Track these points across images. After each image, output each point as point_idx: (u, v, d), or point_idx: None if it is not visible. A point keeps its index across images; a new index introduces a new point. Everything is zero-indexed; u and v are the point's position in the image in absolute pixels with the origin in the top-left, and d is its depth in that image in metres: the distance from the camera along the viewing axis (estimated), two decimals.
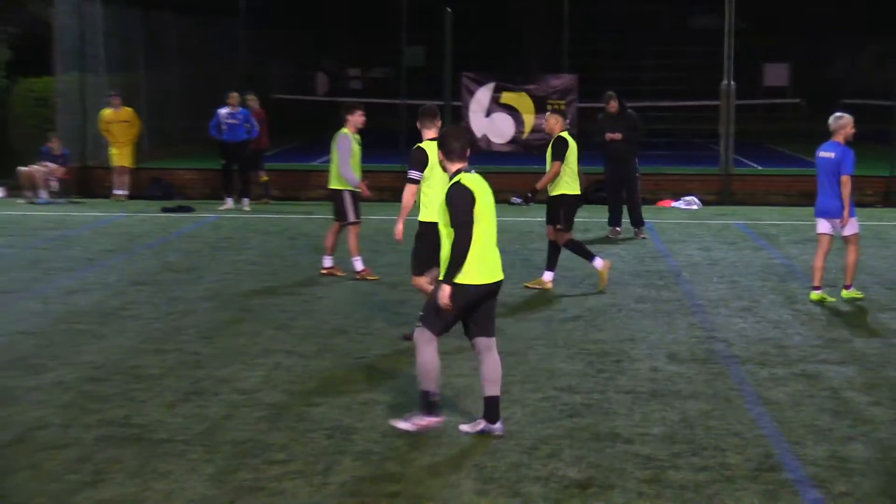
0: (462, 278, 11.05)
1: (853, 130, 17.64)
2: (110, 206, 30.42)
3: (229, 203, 29.55)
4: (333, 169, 19.75)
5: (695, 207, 31.12)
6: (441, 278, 11.14)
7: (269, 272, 20.33)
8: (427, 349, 11.32)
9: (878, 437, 11.31)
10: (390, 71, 38.10)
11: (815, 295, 18.04)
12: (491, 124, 32.93)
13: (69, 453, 10.65)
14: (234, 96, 29.87)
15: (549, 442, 11.06)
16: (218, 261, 19.21)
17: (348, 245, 19.61)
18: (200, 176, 32.82)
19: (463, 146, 11.57)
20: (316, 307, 17.12)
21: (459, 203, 10.97)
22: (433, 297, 11.30)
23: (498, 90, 33.17)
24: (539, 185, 19.51)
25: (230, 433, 11.29)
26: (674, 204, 31.39)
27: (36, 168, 31.14)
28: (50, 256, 21.80)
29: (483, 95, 33.10)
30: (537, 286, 19.01)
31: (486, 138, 33.19)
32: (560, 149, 18.93)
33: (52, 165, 31.31)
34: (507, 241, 24.23)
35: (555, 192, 19.07)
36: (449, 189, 11.24)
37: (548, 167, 19.37)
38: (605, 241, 24.54)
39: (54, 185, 31.10)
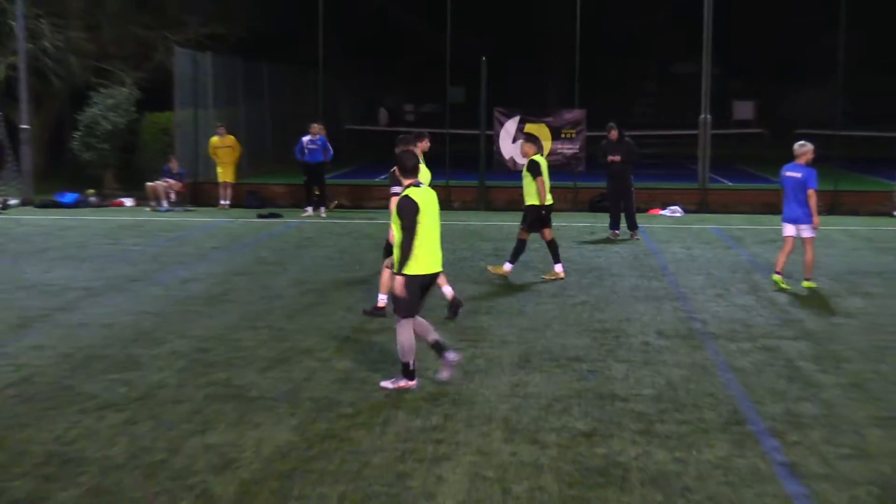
0: (414, 270, 11.43)
1: (813, 156, 17.86)
2: (216, 213, 30.47)
3: (309, 211, 29.51)
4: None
5: (678, 215, 30.94)
6: (395, 271, 11.51)
7: (341, 265, 20.32)
8: (404, 331, 11.53)
9: (824, 398, 11.33)
10: (437, 107, 37.92)
11: (775, 277, 18.27)
12: (517, 149, 32.79)
13: (183, 408, 10.77)
14: (314, 127, 29.83)
15: (562, 400, 11.13)
16: (300, 256, 19.24)
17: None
18: (287, 189, 32.81)
19: (414, 166, 11.90)
20: (377, 293, 17.13)
21: (407, 211, 11.26)
22: (394, 290, 11.62)
23: (522, 122, 33.00)
24: (544, 200, 19.03)
25: (309, 392, 11.38)
26: (661, 212, 31.20)
27: (159, 183, 31.21)
28: (169, 252, 21.87)
29: (511, 126, 32.99)
30: (553, 278, 18.85)
31: (512, 160, 32.99)
32: (536, 168, 18.83)
33: (171, 181, 31.38)
34: (529, 242, 24.27)
35: (528, 203, 19.01)
36: (400, 199, 11.55)
37: (525, 184, 19.26)
38: (607, 241, 24.40)
39: (173, 196, 31.13)
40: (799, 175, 17.78)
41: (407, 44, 40.46)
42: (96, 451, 9.37)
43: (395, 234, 11.63)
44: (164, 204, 31.05)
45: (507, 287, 18.09)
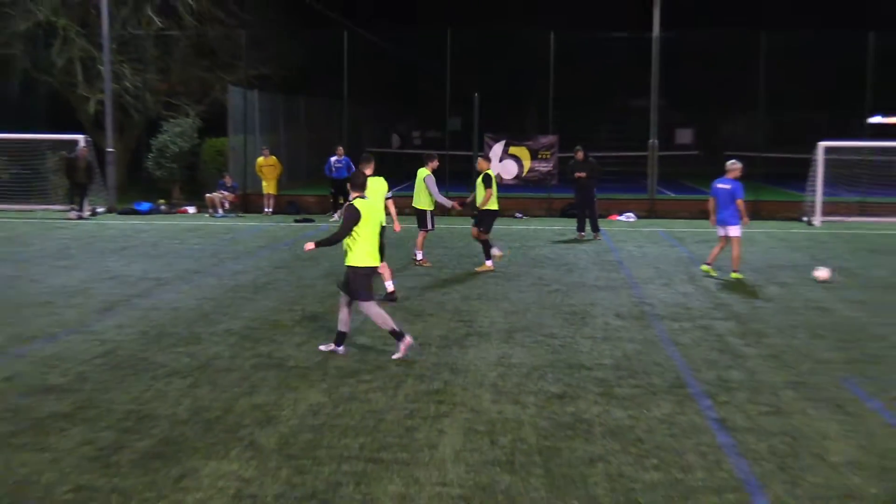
0: (364, 263, 11.61)
1: (740, 172, 18.00)
2: (262, 219, 30.46)
3: (335, 217, 29.50)
4: (422, 195, 19.31)
5: (632, 220, 30.92)
6: (355, 264, 11.63)
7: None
8: (372, 310, 11.62)
9: (747, 366, 11.33)
10: (439, 133, 37.96)
11: (704, 267, 18.56)
12: (503, 167, 32.73)
13: (234, 375, 10.77)
14: (339, 149, 29.87)
15: (539, 369, 11.13)
16: (329, 253, 19.12)
17: (416, 241, 19.63)
18: (318, 199, 32.76)
19: (362, 183, 12.07)
20: (399, 282, 17.09)
21: (349, 217, 11.51)
22: (352, 281, 11.66)
23: (507, 145, 33.02)
24: (480, 205, 19.19)
25: (335, 363, 11.35)
26: (618, 217, 31.19)
27: (216, 194, 31.20)
28: (224, 250, 21.84)
29: (498, 148, 32.95)
30: (484, 270, 18.86)
31: (499, 175, 33.00)
32: (489, 180, 18.93)
33: (226, 193, 31.37)
34: (511, 240, 24.24)
35: (484, 208, 18.96)
36: (346, 207, 11.82)
37: (478, 194, 19.29)
38: (575, 241, 24.34)
39: (227, 205, 31.10)
40: (729, 187, 17.98)
41: (415, 82, 40.38)
42: (165, 410, 9.40)
43: (341, 231, 11.69)
44: (220, 211, 31.05)
45: (493, 278, 18.05)
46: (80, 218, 29.38)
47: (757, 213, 32.19)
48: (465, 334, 13.01)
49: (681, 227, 28.53)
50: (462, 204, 20.92)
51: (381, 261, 13.47)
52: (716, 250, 18.61)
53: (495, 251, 19.21)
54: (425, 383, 10.47)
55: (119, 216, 30.56)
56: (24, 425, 8.89)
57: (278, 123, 37.36)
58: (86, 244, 22.88)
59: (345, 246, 11.66)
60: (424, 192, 19.16)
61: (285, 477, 7.63)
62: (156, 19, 37.14)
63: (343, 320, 11.88)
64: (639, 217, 31.62)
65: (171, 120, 35.48)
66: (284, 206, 32.45)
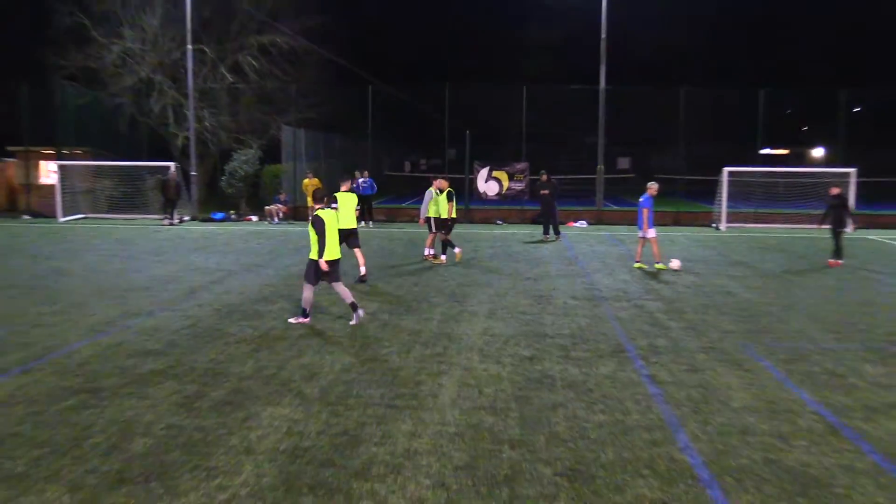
0: (328, 257, 11.77)
1: (655, 191, 18.18)
2: (306, 226, 30.40)
3: (362, 224, 29.52)
4: (430, 206, 19.01)
5: (584, 226, 30.94)
6: (314, 258, 11.81)
7: (381, 255, 20.31)
8: (308, 291, 12.00)
9: (671, 336, 11.32)
10: (440, 161, 37.97)
11: (636, 265, 18.47)
12: (488, 186, 32.82)
13: (286, 342, 10.75)
14: (365, 173, 29.80)
15: (514, 338, 11.09)
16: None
17: (426, 242, 19.61)
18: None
19: (322, 197, 12.36)
20: (403, 272, 17.07)
21: (316, 224, 11.67)
22: (311, 269, 11.92)
23: (491, 170, 33.04)
24: (449, 216, 19.08)
25: (361, 332, 11.33)
26: (574, 224, 31.19)
27: (272, 206, 31.21)
28: (278, 249, 21.80)
29: (484, 172, 32.97)
30: (436, 262, 18.91)
31: (485, 193, 33.10)
32: (452, 196, 19.08)
33: (280, 206, 31.40)
34: (494, 241, 24.23)
35: (444, 217, 18.93)
36: (312, 217, 11.90)
37: (443, 208, 18.95)
38: (541, 242, 24.30)
39: (281, 215, 31.11)
40: (641, 199, 18.25)
41: (422, 123, 40.39)
42: (234, 368, 9.38)
43: (311, 237, 11.85)
44: (276, 220, 31.03)
45: (480, 270, 18.01)
46: (171, 225, 29.45)
47: (678, 220, 32.29)
48: (459, 312, 12.99)
49: (622, 231, 28.52)
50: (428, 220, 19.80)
51: (354, 250, 15.30)
52: (639, 249, 18.71)
53: (457, 249, 19.21)
54: (429, 348, 10.45)
55: (200, 223, 30.52)
56: (130, 379, 8.89)
57: (319, 154, 37.27)
58: (175, 244, 22.84)
59: (320, 246, 11.81)
60: (431, 203, 19.09)
61: (324, 419, 7.63)
62: (228, 76, 37.36)
63: (344, 294, 12.14)
64: (590, 224, 31.62)
65: (239, 151, 35.39)
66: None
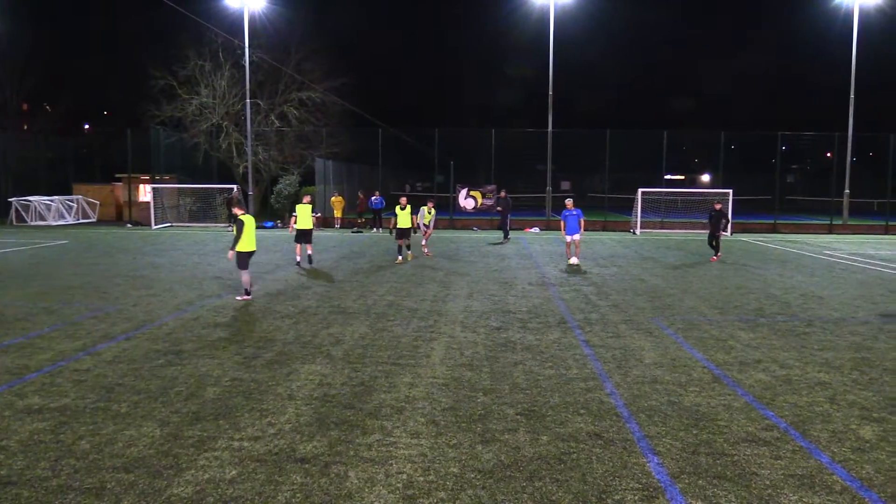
0: (244, 248, 11.85)
1: (572, 204, 18.33)
2: (333, 231, 30.30)
3: (374, 231, 29.47)
4: (395, 220, 18.86)
5: (537, 231, 30.92)
6: (239, 250, 11.88)
7: (390, 254, 20.16)
8: (244, 275, 12.01)
9: (601, 312, 11.28)
10: (431, 184, 37.83)
11: (570, 261, 18.19)
12: (466, 202, 32.75)
13: (318, 317, 10.65)
14: (377, 192, 29.71)
15: (486, 314, 11.02)
16: (371, 250, 19.02)
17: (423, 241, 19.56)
18: (365, 221, 32.48)
19: (240, 204, 12.33)
20: (403, 266, 16.98)
21: (239, 226, 11.78)
22: (240, 258, 11.94)
23: (469, 190, 32.99)
24: (417, 224, 18.16)
25: (375, 310, 11.23)
26: (529, 230, 31.17)
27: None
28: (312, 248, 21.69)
29: (464, 192, 32.93)
30: (401, 261, 17.64)
31: (464, 207, 33.03)
32: (410, 210, 18.00)
33: (314, 216, 31.23)
34: (471, 242, 24.17)
35: (404, 227, 17.82)
36: (235, 220, 11.99)
37: (402, 218, 17.69)
38: (501, 244, 24.32)
39: (315, 222, 31.01)
40: (574, 212, 18.22)
41: (418, 155, 40.22)
42: (280, 336, 9.29)
43: (234, 233, 12.03)
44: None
45: (461, 263, 17.94)
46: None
47: (605, 227, 32.27)
48: (446, 294, 12.92)
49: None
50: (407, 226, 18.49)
51: (306, 244, 15.96)
52: (568, 250, 18.47)
53: (409, 252, 18.51)
54: (424, 321, 10.38)
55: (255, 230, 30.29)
56: (204, 344, 8.79)
57: (343, 178, 37.05)
58: None
59: (236, 240, 11.86)
60: (399, 216, 18.89)
61: (347, 373, 7.57)
62: (276, 122, 37.17)
63: (246, 281, 12.12)
64: (541, 230, 31.59)
65: (284, 176, 35.26)
66: (346, 224, 32.27)
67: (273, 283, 14.10)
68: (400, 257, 17.97)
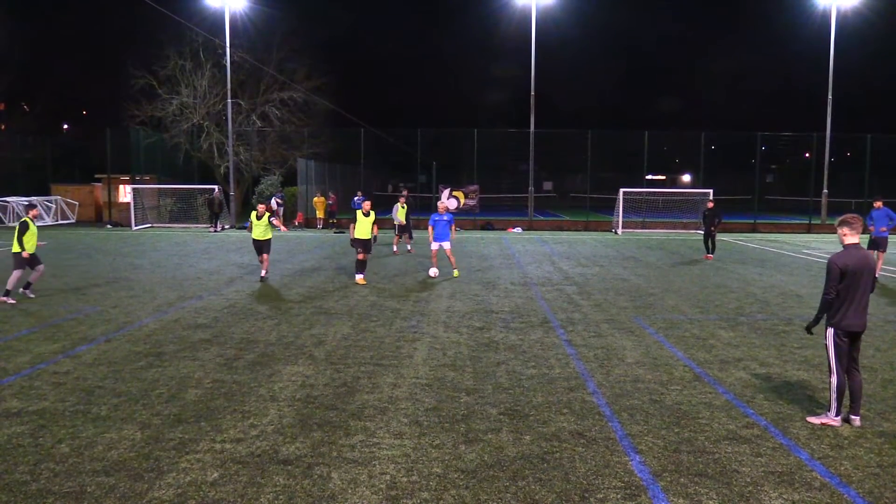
0: (17, 248, 11.70)
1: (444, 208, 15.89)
2: (315, 232, 30.17)
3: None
4: (399, 215, 19.24)
5: (520, 231, 31.03)
6: (15, 251, 11.74)
7: (375, 255, 20.16)
8: (14, 277, 11.78)
9: (583, 311, 11.34)
10: (414, 184, 37.79)
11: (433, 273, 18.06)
12: (449, 202, 32.68)
13: (301, 317, 10.57)
14: (359, 192, 29.58)
15: (469, 315, 11.03)
16: (352, 250, 19.02)
17: (404, 240, 19.52)
18: (347, 221, 32.33)
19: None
20: (388, 266, 16.94)
21: (20, 228, 11.71)
22: (16, 259, 11.69)
23: (451, 190, 32.99)
24: (375, 233, 13.84)
25: (357, 310, 11.18)
26: (512, 230, 31.28)
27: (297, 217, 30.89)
28: (295, 248, 21.53)
29: (447, 192, 32.91)
30: (360, 283, 14.04)
31: (446, 207, 33.01)
32: (372, 216, 14.19)
33: (275, 220, 31.04)
34: (453, 242, 24.22)
35: (363, 237, 14.04)
36: (19, 224, 11.79)
37: (365, 226, 13.91)
38: (485, 242, 24.36)
39: (297, 223, 30.78)
40: (446, 217, 15.28)
41: (402, 155, 40.16)
42: (262, 337, 9.24)
43: (14, 238, 11.88)
44: (295, 225, 30.59)
45: (444, 264, 17.93)
46: (215, 231, 28.87)
47: (587, 227, 32.48)
48: (429, 295, 12.91)
49: (547, 236, 28.65)
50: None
51: (264, 254, 14.27)
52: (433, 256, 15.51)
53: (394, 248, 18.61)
54: (407, 321, 10.36)
55: (236, 231, 30.01)
56: (185, 346, 8.71)
57: (325, 179, 36.91)
58: (218, 246, 22.48)
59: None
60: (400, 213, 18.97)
61: (329, 374, 7.54)
62: (257, 122, 36.99)
63: (13, 280, 11.82)
64: (524, 230, 31.69)
65: (265, 176, 35.12)
66: (328, 224, 32.17)
67: (255, 285, 14.00)
68: (359, 276, 14.18)
